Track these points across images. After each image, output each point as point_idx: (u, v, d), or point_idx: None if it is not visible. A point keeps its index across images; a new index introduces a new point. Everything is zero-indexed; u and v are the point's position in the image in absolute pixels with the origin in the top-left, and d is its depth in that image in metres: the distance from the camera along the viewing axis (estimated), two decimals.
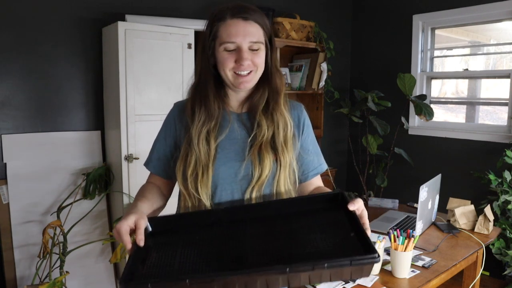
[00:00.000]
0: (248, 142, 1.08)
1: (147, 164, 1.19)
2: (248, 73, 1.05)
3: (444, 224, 2.07)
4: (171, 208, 1.18)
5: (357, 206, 0.93)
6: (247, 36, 1.03)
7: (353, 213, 0.92)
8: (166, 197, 1.20)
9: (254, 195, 1.06)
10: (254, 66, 1.05)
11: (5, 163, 2.34)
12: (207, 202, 1.05)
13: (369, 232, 0.89)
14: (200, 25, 2.71)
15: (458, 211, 2.05)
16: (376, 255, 0.77)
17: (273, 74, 1.10)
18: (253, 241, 0.92)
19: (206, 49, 1.07)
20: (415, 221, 1.91)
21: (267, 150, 1.06)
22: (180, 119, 1.13)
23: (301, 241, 0.89)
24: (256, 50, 1.05)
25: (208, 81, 1.08)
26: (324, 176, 2.20)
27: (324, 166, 1.21)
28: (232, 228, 0.97)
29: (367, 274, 0.81)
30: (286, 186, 1.08)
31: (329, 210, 1.01)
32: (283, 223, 0.98)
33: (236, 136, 1.09)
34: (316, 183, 1.20)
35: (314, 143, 1.20)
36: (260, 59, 1.06)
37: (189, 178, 1.04)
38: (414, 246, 1.55)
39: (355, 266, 0.77)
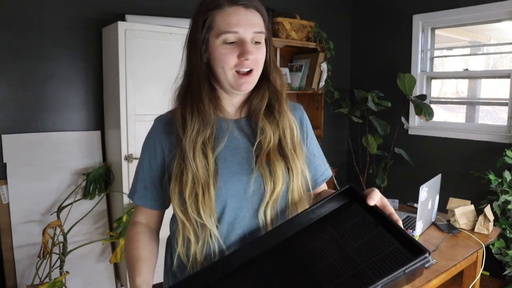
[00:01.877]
0: (252, 151, 0.93)
1: (131, 195, 1.02)
2: (249, 72, 0.90)
3: (444, 224, 2.07)
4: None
5: (376, 198, 0.81)
6: (250, 26, 0.88)
7: (374, 208, 0.80)
8: (157, 233, 1.05)
9: (269, 213, 0.92)
10: (256, 63, 0.91)
11: (5, 163, 2.34)
12: (212, 226, 0.89)
13: (400, 224, 0.78)
14: None
15: (458, 211, 2.05)
16: (428, 253, 0.68)
17: (273, 72, 0.97)
18: (281, 278, 0.78)
19: (198, 44, 0.91)
20: (415, 221, 1.91)
21: (277, 158, 0.92)
22: (167, 134, 0.97)
23: (335, 263, 0.76)
24: (259, 43, 0.91)
25: (202, 82, 0.92)
26: None
27: (330, 171, 1.11)
28: (251, 270, 0.82)
29: (421, 273, 0.73)
30: (300, 196, 0.96)
31: (344, 211, 0.86)
32: (303, 245, 0.82)
33: (238, 145, 0.94)
34: (321, 187, 1.12)
35: (318, 146, 1.10)
36: (262, 55, 0.92)
37: (188, 200, 0.88)
38: None
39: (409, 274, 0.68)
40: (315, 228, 0.85)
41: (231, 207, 0.91)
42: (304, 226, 0.86)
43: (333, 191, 1.02)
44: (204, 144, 0.90)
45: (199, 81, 0.92)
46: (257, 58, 0.90)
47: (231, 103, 0.98)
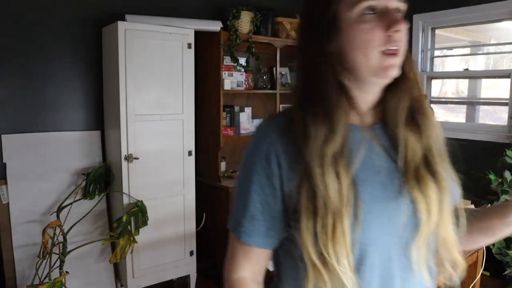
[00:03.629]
0: (397, 169, 0.72)
1: (242, 235, 0.72)
2: (396, 51, 0.67)
3: None
4: None
5: None
6: None
7: None
8: None
9: (422, 254, 0.70)
10: (403, 40, 0.68)
11: (5, 163, 2.34)
12: (348, 275, 0.65)
13: None
14: (200, 25, 2.71)
15: None
16: None
17: (408, 62, 0.73)
18: None
19: (321, 23, 0.67)
20: None
21: (428, 177, 0.71)
22: (285, 144, 0.70)
23: None
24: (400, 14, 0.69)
25: (326, 74, 0.69)
26: None
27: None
28: None
29: None
30: (450, 223, 0.74)
31: None
32: None
33: (375, 163, 0.71)
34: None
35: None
36: (405, 34, 0.68)
37: (321, 235, 0.65)
38: None
39: None
40: None
41: (374, 247, 0.68)
42: None
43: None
44: (336, 159, 0.66)
45: (322, 73, 0.69)
46: (404, 33, 0.67)
47: (364, 101, 0.73)
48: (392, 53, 0.66)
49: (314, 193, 0.65)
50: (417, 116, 0.74)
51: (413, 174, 0.71)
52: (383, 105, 0.75)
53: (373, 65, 0.66)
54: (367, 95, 0.73)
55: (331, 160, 0.66)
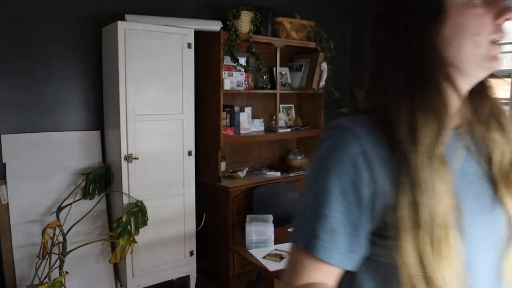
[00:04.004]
0: (486, 176, 0.65)
1: (310, 244, 0.60)
2: (500, 42, 0.62)
3: None
4: None
5: None
6: None
7: None
8: None
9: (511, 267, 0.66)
10: None
11: (5, 163, 2.33)
12: None
13: None
14: (200, 25, 2.71)
15: None
16: None
17: None
18: None
19: (427, 10, 0.60)
20: None
21: None
22: (376, 145, 0.59)
23: None
24: None
25: (437, 65, 0.61)
26: None
27: None
28: None
29: None
30: None
31: None
32: None
33: (469, 170, 0.64)
34: None
35: None
36: None
37: (427, 253, 0.56)
38: None
39: None
40: None
41: (477, 265, 0.61)
42: None
43: None
44: (443, 162, 0.58)
45: (432, 64, 0.60)
46: None
47: (462, 96, 0.65)
48: (498, 44, 0.61)
49: (418, 202, 0.56)
50: (500, 117, 0.68)
51: (504, 180, 0.65)
52: (466, 105, 0.67)
53: (482, 53, 0.60)
54: (461, 92, 0.64)
55: (440, 162, 0.57)
